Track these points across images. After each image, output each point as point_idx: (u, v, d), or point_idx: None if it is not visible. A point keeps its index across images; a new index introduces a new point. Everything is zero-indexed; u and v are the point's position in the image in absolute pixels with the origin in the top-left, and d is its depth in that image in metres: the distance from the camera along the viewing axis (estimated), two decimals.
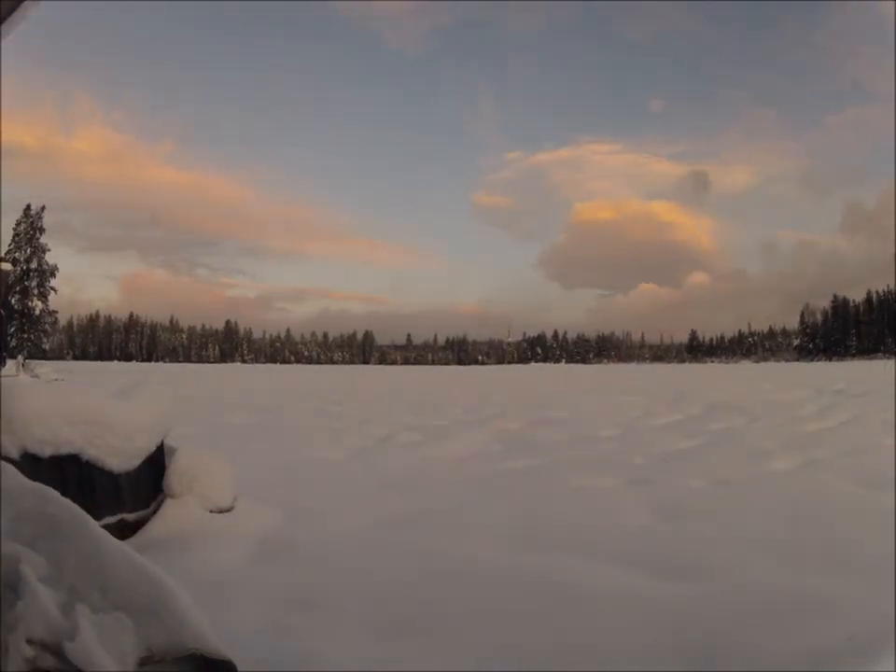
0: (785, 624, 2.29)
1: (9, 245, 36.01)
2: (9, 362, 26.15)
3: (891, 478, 4.62)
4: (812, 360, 78.52)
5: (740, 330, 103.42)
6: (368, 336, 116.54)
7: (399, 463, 6.02)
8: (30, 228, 36.89)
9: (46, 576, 1.43)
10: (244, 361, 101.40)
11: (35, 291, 36.32)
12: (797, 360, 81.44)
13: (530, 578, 2.78)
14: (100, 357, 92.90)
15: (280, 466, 5.68)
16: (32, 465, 2.78)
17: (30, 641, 1.25)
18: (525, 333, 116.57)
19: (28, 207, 37.49)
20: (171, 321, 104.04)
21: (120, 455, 3.21)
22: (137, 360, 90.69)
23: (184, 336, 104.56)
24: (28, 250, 36.50)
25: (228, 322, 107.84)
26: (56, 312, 37.81)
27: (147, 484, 3.46)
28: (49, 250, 37.48)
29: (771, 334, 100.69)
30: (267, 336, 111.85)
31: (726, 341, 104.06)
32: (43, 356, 37.14)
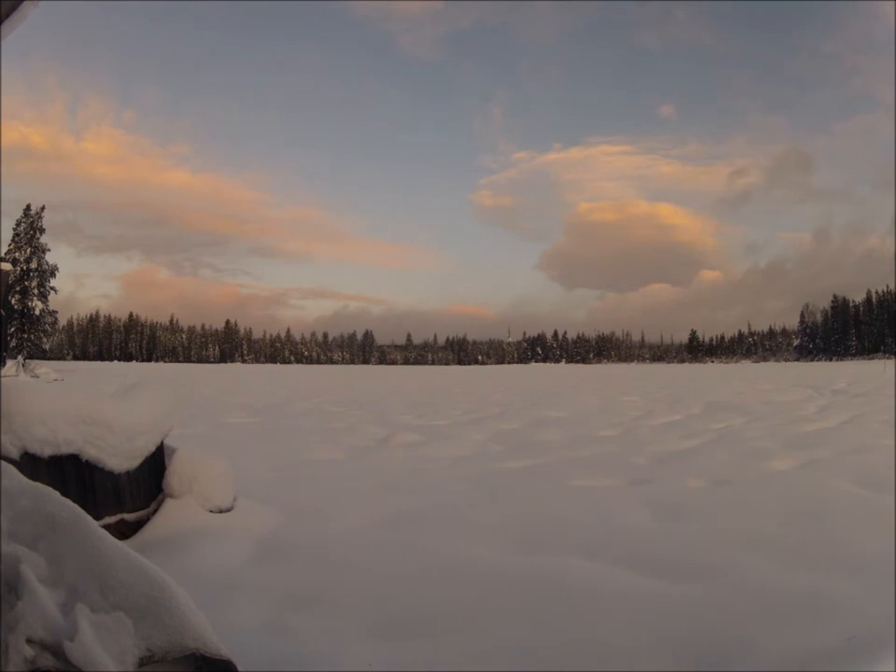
0: (785, 624, 2.29)
1: (9, 244, 35.99)
2: (9, 362, 26.15)
3: (891, 478, 4.62)
4: (812, 360, 78.51)
5: (740, 331, 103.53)
6: (368, 336, 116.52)
7: (398, 463, 6.02)
8: (30, 228, 36.87)
9: (46, 576, 1.43)
10: (244, 361, 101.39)
11: (35, 291, 36.31)
12: (797, 360, 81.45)
13: (530, 578, 2.78)
14: (100, 357, 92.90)
15: (280, 466, 5.68)
16: (32, 465, 2.78)
17: (30, 641, 1.25)
18: (524, 333, 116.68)
19: (28, 207, 37.49)
20: (171, 321, 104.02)
21: (120, 455, 3.21)
22: (137, 360, 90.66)
23: (184, 336, 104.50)
24: (28, 250, 36.48)
25: (228, 322, 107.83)
26: (56, 312, 37.81)
27: (147, 484, 3.46)
28: (49, 250, 37.52)
29: (771, 334, 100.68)
30: (267, 336, 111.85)
31: (726, 341, 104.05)
32: (43, 356, 37.15)
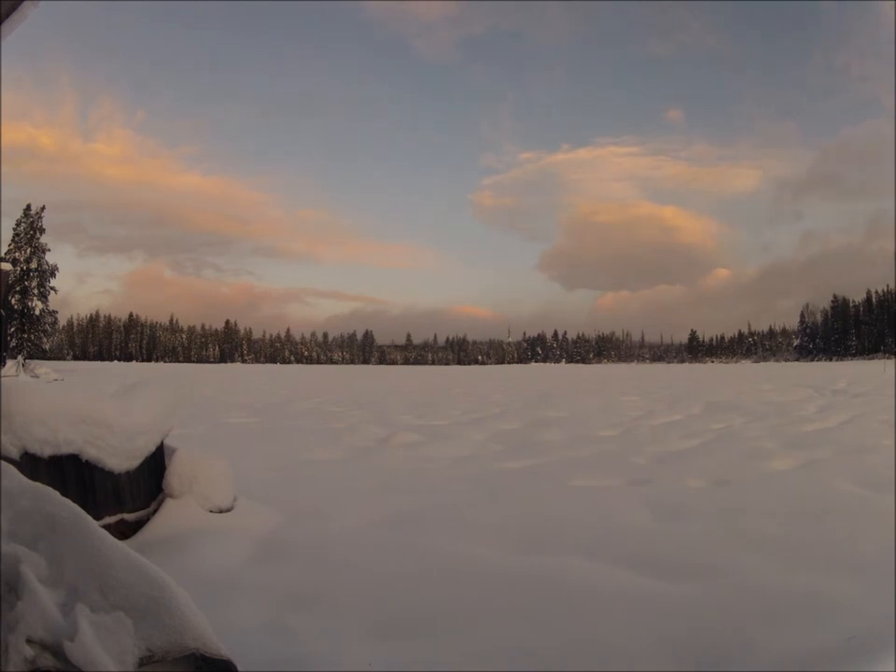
0: (785, 624, 2.29)
1: (9, 244, 35.99)
2: (9, 362, 26.15)
3: (891, 478, 4.62)
4: (812, 360, 78.51)
5: (740, 331, 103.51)
6: (368, 336, 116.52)
7: (398, 463, 6.02)
8: (30, 228, 36.87)
9: (46, 576, 1.43)
10: (244, 361, 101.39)
11: (35, 291, 36.30)
12: (797, 360, 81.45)
13: (530, 578, 2.78)
14: (100, 357, 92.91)
15: (280, 466, 5.68)
16: (32, 465, 2.78)
17: (30, 641, 1.25)
18: (525, 333, 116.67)
19: (28, 207, 37.49)
20: (171, 321, 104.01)
21: (120, 455, 3.21)
22: (137, 360, 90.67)
23: (184, 336, 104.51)
24: (28, 250, 36.47)
25: (227, 322, 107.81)
26: (56, 312, 37.80)
27: (147, 484, 3.46)
28: (49, 250, 37.50)
29: (771, 334, 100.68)
30: (267, 336, 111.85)
31: (726, 341, 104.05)
32: (43, 356, 37.13)
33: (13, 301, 34.73)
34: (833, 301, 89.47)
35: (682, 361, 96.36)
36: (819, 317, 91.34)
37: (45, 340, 37.80)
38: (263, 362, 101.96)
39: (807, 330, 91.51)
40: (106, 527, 2.46)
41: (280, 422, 9.84)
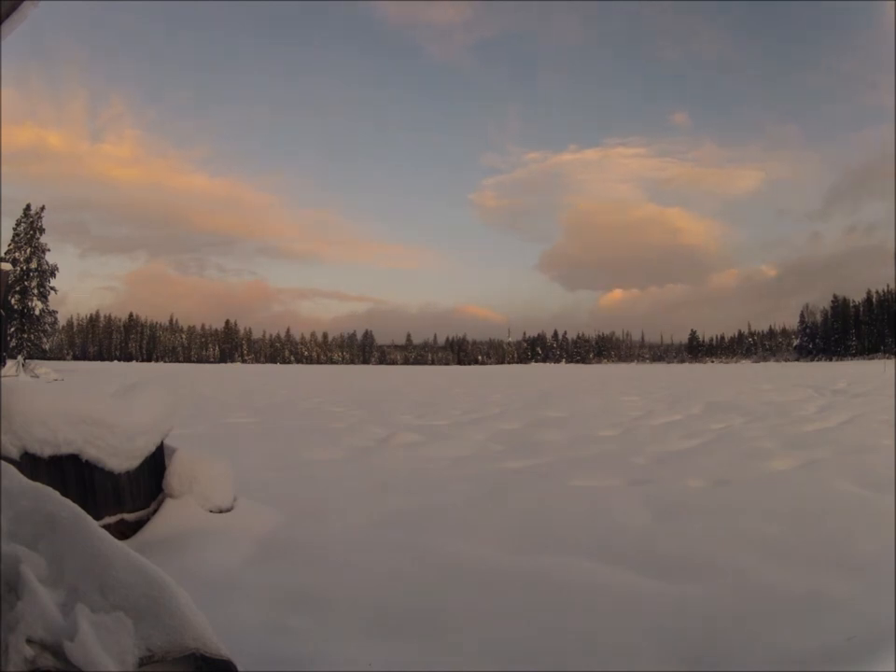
0: (785, 624, 2.29)
1: (9, 244, 35.99)
2: (9, 362, 26.15)
3: (891, 478, 4.63)
4: (812, 360, 78.52)
5: (740, 331, 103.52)
6: (368, 336, 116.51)
7: (399, 463, 6.02)
8: (30, 228, 36.87)
9: (46, 576, 1.43)
10: (244, 361, 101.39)
11: (35, 291, 36.30)
12: (797, 360, 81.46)
13: (530, 577, 2.78)
14: (100, 357, 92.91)
15: (280, 466, 5.68)
16: (32, 465, 2.78)
17: (30, 641, 1.25)
18: (525, 333, 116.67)
19: (28, 207, 37.49)
20: (171, 321, 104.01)
21: (120, 455, 3.21)
22: (137, 360, 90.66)
23: (184, 336, 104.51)
24: (28, 250, 36.47)
25: (227, 322, 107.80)
26: (56, 312, 37.81)
27: (147, 484, 3.46)
28: (48, 250, 37.50)
29: (771, 334, 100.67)
30: (267, 336, 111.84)
31: (726, 341, 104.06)
32: (43, 356, 37.14)
33: (13, 301, 34.73)
34: (833, 301, 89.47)
35: (682, 361, 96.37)
36: (818, 317, 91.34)
37: (45, 340, 37.82)
38: (263, 362, 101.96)
39: (807, 330, 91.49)
40: (106, 527, 2.46)
41: (280, 422, 9.84)
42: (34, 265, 36.21)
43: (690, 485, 4.91)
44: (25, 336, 35.68)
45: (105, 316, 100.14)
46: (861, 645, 2.08)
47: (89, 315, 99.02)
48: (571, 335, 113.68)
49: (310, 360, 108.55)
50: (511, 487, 4.82)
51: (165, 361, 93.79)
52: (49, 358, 41.35)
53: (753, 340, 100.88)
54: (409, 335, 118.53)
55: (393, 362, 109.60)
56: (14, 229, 36.69)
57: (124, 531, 3.21)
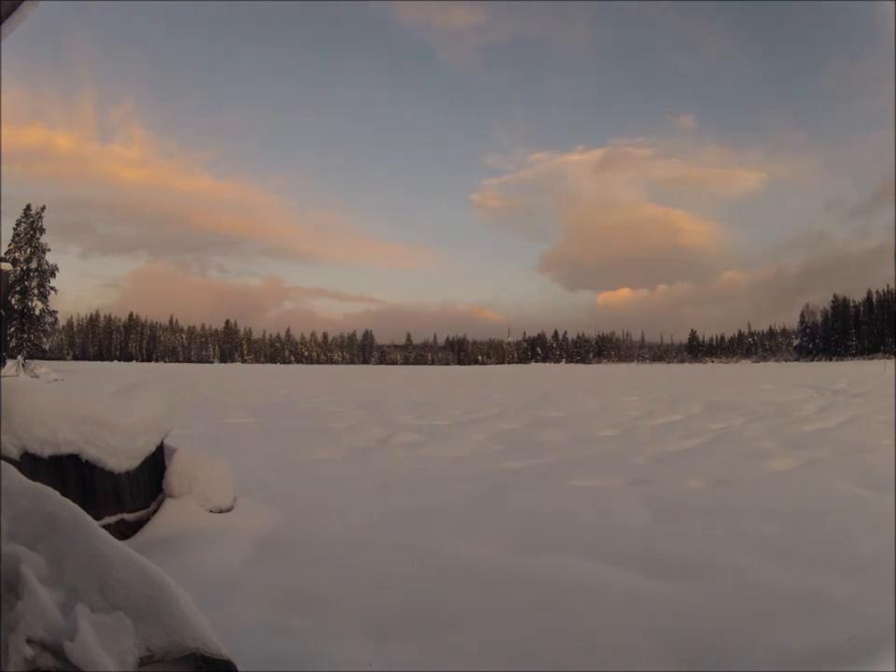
0: (784, 624, 2.29)
1: (9, 244, 36.00)
2: (9, 362, 26.15)
3: (891, 478, 4.62)
4: (812, 360, 78.53)
5: (740, 331, 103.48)
6: (368, 336, 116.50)
7: (399, 463, 6.02)
8: (30, 228, 36.86)
9: (46, 576, 1.43)
10: (244, 361, 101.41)
11: (35, 291, 36.29)
12: (797, 360, 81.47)
13: (530, 577, 2.78)
14: (100, 357, 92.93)
15: (280, 466, 5.68)
16: (32, 465, 2.78)
17: (30, 641, 1.25)
18: (525, 333, 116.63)
19: (28, 207, 37.49)
20: (171, 321, 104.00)
21: (120, 455, 3.21)
22: (137, 360, 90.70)
23: (184, 336, 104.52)
24: (28, 250, 36.47)
25: (227, 322, 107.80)
26: (56, 312, 37.79)
27: (147, 484, 3.46)
28: (49, 250, 37.50)
29: (771, 334, 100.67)
30: (267, 336, 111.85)
31: (726, 341, 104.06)
32: (43, 356, 37.12)
33: (13, 301, 34.73)
34: (833, 301, 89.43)
35: (682, 361, 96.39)
36: (818, 317, 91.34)
37: (45, 340, 37.80)
38: (263, 362, 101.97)
39: (807, 330, 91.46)
40: (106, 527, 2.46)
41: (280, 422, 9.84)
42: (34, 265, 36.20)
43: (690, 485, 4.91)
44: (25, 336, 35.67)
45: (104, 316, 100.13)
46: (860, 645, 2.08)
47: (89, 315, 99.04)
48: (571, 335, 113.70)
49: (310, 360, 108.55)
50: (511, 487, 4.82)
51: (165, 361, 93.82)
52: (49, 358, 41.34)
53: (753, 340, 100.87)
54: (409, 335, 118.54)
55: (393, 362, 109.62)
56: (14, 229, 36.70)
57: (124, 531, 3.21)
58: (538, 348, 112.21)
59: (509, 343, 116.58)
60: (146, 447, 3.39)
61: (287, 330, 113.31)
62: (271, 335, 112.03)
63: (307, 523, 3.69)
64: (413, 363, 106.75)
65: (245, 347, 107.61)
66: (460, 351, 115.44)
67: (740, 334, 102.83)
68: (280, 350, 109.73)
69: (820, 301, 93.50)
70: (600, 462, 5.98)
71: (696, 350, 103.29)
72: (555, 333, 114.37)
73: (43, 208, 37.92)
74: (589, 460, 6.12)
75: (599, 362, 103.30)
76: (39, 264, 36.43)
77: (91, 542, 1.55)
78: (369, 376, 37.66)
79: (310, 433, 8.19)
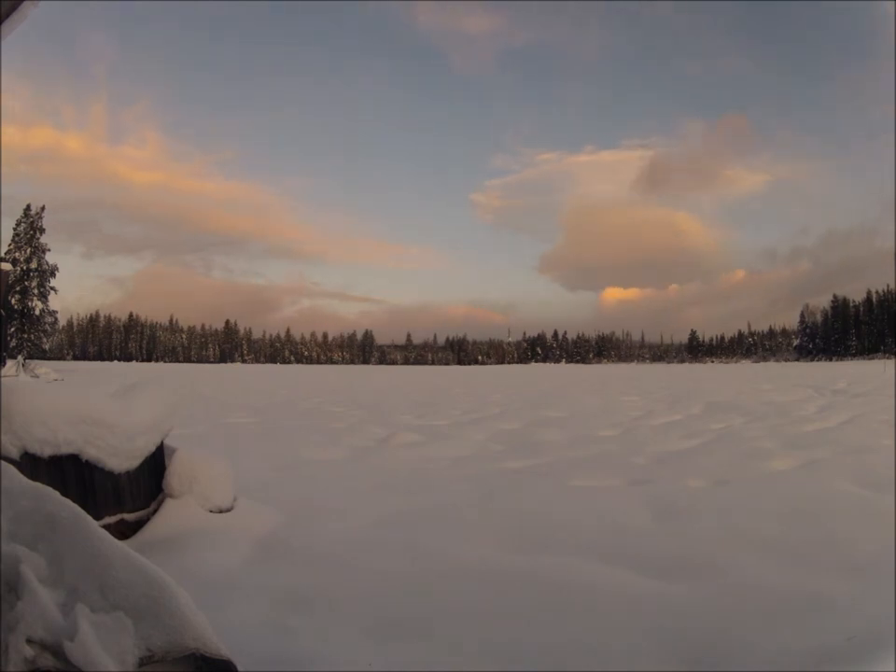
0: (785, 624, 2.29)
1: (9, 244, 36.00)
2: (9, 362, 26.15)
3: (891, 478, 4.62)
4: (812, 360, 78.53)
5: (740, 330, 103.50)
6: (368, 336, 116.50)
7: (399, 463, 6.02)
8: (30, 228, 36.87)
9: (46, 576, 1.43)
10: (244, 361, 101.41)
11: (35, 291, 36.30)
12: (797, 360, 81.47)
13: (530, 578, 2.78)
14: (100, 357, 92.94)
15: (280, 466, 5.68)
16: (32, 465, 2.78)
17: (30, 641, 1.25)
18: (525, 333, 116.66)
19: (28, 207, 37.50)
20: (171, 321, 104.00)
21: (120, 455, 3.21)
22: (137, 360, 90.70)
23: (184, 336, 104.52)
24: (28, 250, 36.47)
25: (227, 322, 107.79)
26: (56, 312, 37.81)
27: (147, 484, 3.46)
28: (49, 250, 37.51)
29: (771, 334, 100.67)
30: (267, 336, 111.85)
31: (726, 341, 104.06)
32: (43, 356, 37.13)
33: (13, 301, 34.72)
34: (832, 301, 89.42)
35: (682, 361, 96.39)
36: (818, 317, 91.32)
37: (45, 340, 37.81)
38: (263, 362, 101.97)
39: (807, 330, 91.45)
40: (106, 527, 2.46)
41: (280, 422, 9.84)
42: (34, 265, 36.21)
43: (690, 485, 4.91)
44: (25, 336, 35.67)
45: (104, 316, 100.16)
46: (860, 645, 2.08)
47: (89, 316, 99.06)
48: (571, 335, 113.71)
49: (310, 360, 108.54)
50: (512, 487, 4.82)
51: (165, 361, 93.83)
52: (49, 358, 41.36)
53: (753, 340, 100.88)
54: (409, 335, 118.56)
55: (393, 362, 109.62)
56: (14, 229, 36.71)
57: (124, 531, 3.21)
58: (538, 348, 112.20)
59: (509, 343, 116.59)
60: (146, 447, 3.39)
61: (287, 330, 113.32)
62: (271, 335, 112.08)
63: (307, 523, 3.69)
64: (413, 363, 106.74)
65: (245, 347, 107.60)
66: (460, 351, 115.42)
67: (740, 334, 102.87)
68: (280, 350, 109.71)
69: (821, 300, 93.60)
70: (600, 462, 5.98)
71: (696, 350, 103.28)
72: (555, 333, 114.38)
73: (43, 208, 37.96)
74: (589, 460, 6.12)
75: (599, 362, 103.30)
76: (39, 264, 36.44)
77: (91, 542, 1.55)
78: (369, 376, 37.67)
79: (310, 433, 8.19)
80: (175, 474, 3.53)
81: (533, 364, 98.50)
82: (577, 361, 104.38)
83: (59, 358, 66.74)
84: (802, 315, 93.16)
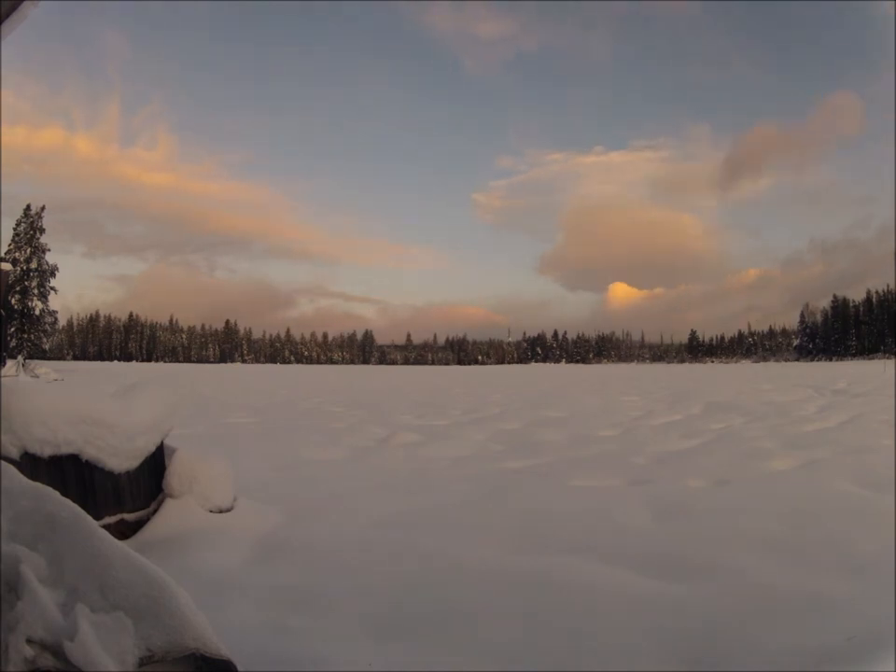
0: (785, 624, 2.29)
1: (9, 244, 36.01)
2: (9, 362, 26.14)
3: (891, 478, 4.62)
4: (812, 360, 78.52)
5: (740, 330, 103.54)
6: (368, 336, 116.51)
7: (399, 463, 6.02)
8: (30, 228, 36.86)
9: (46, 576, 1.43)
10: (243, 361, 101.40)
11: (35, 291, 36.29)
12: (797, 360, 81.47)
13: (530, 578, 2.78)
14: (100, 357, 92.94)
15: (280, 466, 5.68)
16: (32, 465, 2.78)
17: (30, 641, 1.25)
18: (525, 333, 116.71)
19: (28, 207, 37.49)
20: (171, 321, 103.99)
21: (120, 455, 3.21)
22: (137, 360, 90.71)
23: (184, 336, 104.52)
24: (28, 250, 36.47)
25: (227, 322, 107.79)
26: (56, 312, 37.80)
27: (147, 484, 3.46)
28: (49, 250, 37.51)
29: (771, 334, 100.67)
30: (267, 336, 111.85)
31: (726, 341, 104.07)
32: (43, 356, 37.13)
33: (13, 301, 34.72)
34: (832, 301, 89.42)
35: (682, 361, 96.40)
36: (818, 317, 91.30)
37: (45, 340, 37.80)
38: (263, 362, 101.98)
39: (807, 330, 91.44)
40: (106, 527, 2.46)
41: (280, 422, 9.84)
42: (34, 265, 36.20)
43: (690, 485, 4.91)
44: (25, 336, 35.67)
45: (104, 316, 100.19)
46: (860, 645, 2.08)
47: (89, 316, 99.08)
48: (571, 335, 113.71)
49: (310, 360, 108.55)
50: (512, 487, 4.82)
51: (165, 361, 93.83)
52: (49, 358, 41.36)
53: (753, 340, 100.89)
54: (409, 335, 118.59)
55: (393, 362, 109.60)
56: (14, 229, 36.70)
57: (124, 531, 3.21)
58: (538, 348, 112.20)
59: (509, 343, 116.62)
60: (146, 447, 3.39)
61: (287, 331, 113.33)
62: (271, 335, 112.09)
63: (307, 523, 3.69)
64: (413, 363, 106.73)
65: (245, 347, 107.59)
66: (460, 351, 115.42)
67: (740, 334, 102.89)
68: (280, 350, 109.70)
69: (821, 300, 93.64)
70: (600, 462, 5.98)
71: (696, 350, 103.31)
72: (555, 333, 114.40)
73: (43, 208, 37.96)
74: (589, 460, 6.12)
75: (599, 362, 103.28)
76: (39, 264, 36.43)
77: (91, 542, 1.55)
78: (368, 376, 37.67)
79: (310, 433, 8.19)
80: (175, 474, 3.53)
81: (533, 364, 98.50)
82: (577, 361, 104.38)
83: (59, 358, 66.74)
84: (802, 315, 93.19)
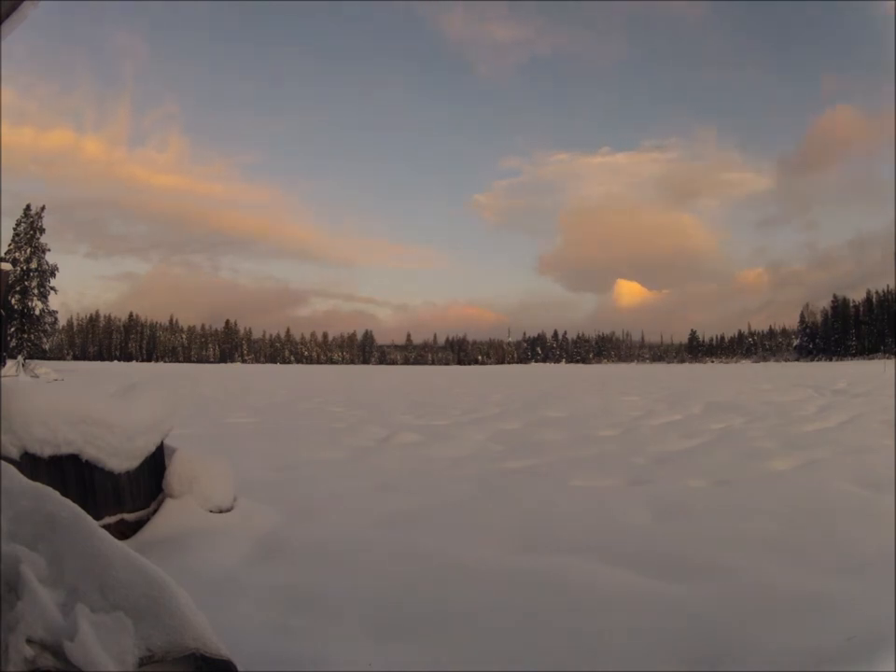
0: (785, 624, 2.29)
1: (9, 244, 36.01)
2: (9, 362, 26.15)
3: (891, 478, 4.63)
4: (812, 360, 78.53)
5: (740, 330, 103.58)
6: (368, 336, 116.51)
7: (398, 463, 6.02)
8: (30, 228, 36.86)
9: (46, 576, 1.43)
10: (243, 361, 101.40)
11: (35, 291, 36.29)
12: (797, 360, 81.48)
13: (530, 578, 2.78)
14: (100, 357, 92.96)
15: (280, 466, 5.68)
16: (32, 465, 2.78)
17: (30, 641, 1.25)
18: (525, 333, 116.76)
19: (28, 207, 37.49)
20: (171, 321, 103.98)
21: (120, 455, 3.21)
22: (137, 360, 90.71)
23: (184, 336, 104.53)
24: (28, 250, 36.47)
25: (227, 322, 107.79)
26: (56, 312, 37.80)
27: (147, 484, 3.46)
28: (49, 250, 37.51)
29: (771, 334, 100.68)
30: (267, 336, 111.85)
31: (726, 341, 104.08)
32: (43, 356, 37.14)
33: (13, 301, 34.72)
34: (833, 301, 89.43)
35: (682, 361, 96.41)
36: (818, 317, 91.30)
37: (45, 340, 37.81)
38: (263, 362, 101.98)
39: (807, 330, 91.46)
40: (106, 527, 2.46)
41: (280, 422, 9.84)
42: (34, 265, 36.20)
43: (690, 485, 4.91)
44: (25, 336, 35.67)
45: (104, 316, 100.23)
46: (861, 645, 2.08)
47: (89, 316, 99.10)
48: (571, 335, 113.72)
49: (310, 360, 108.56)
50: (512, 487, 4.82)
51: (165, 361, 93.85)
52: (49, 358, 41.37)
53: (753, 340, 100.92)
54: (409, 335, 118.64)
55: (393, 362, 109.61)
56: (14, 229, 36.70)
57: (124, 531, 3.21)
58: (538, 348, 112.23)
59: (509, 343, 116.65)
60: (146, 447, 3.39)
61: (287, 331, 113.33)
62: (271, 335, 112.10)
63: (307, 523, 3.69)
64: (413, 363, 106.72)
65: (245, 347, 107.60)
66: (460, 351, 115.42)
67: (740, 334, 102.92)
68: (280, 350, 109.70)
69: (821, 300, 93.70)
70: (600, 462, 5.98)
71: (696, 350, 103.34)
72: (555, 333, 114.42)
73: (43, 208, 37.96)
74: (589, 460, 6.12)
75: (599, 362, 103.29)
76: (39, 264, 36.43)
77: (91, 542, 1.55)
78: (369, 376, 37.66)
79: (310, 433, 8.19)
80: (175, 474, 3.53)
81: (533, 364, 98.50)
82: (577, 361, 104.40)
83: (59, 358, 66.75)
84: (802, 316, 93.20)
